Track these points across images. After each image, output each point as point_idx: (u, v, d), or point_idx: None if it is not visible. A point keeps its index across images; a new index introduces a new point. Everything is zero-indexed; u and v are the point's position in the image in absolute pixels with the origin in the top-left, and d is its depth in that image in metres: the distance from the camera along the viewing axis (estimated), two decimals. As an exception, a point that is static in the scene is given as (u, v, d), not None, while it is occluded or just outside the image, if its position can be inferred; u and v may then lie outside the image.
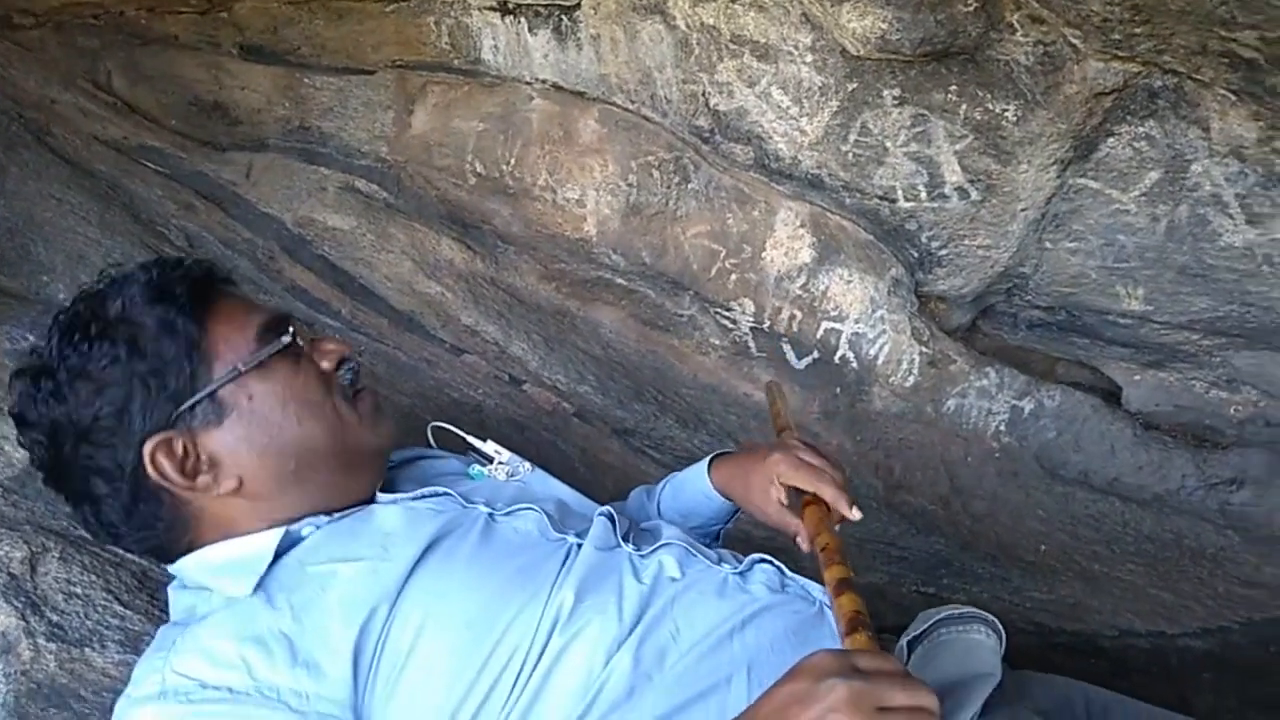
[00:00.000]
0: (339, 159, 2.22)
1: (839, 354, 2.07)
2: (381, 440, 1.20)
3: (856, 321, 2.04)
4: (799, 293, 2.04)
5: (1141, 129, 1.62)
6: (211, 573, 1.07)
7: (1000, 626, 1.11)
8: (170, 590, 1.12)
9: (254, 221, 2.17)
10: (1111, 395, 2.10)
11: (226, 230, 2.14)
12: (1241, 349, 1.91)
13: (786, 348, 2.09)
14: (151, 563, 1.26)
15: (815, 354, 2.08)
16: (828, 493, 1.18)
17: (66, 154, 2.07)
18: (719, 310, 2.08)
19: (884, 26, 1.62)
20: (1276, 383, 1.94)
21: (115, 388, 1.05)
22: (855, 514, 1.16)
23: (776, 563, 1.19)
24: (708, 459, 1.42)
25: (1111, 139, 1.66)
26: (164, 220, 2.06)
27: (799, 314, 2.05)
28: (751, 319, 2.07)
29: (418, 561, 1.04)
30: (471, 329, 2.09)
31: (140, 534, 1.10)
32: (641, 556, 1.14)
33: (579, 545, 1.13)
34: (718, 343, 2.13)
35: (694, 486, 1.41)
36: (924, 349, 2.05)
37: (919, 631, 1.13)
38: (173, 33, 2.32)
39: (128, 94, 2.36)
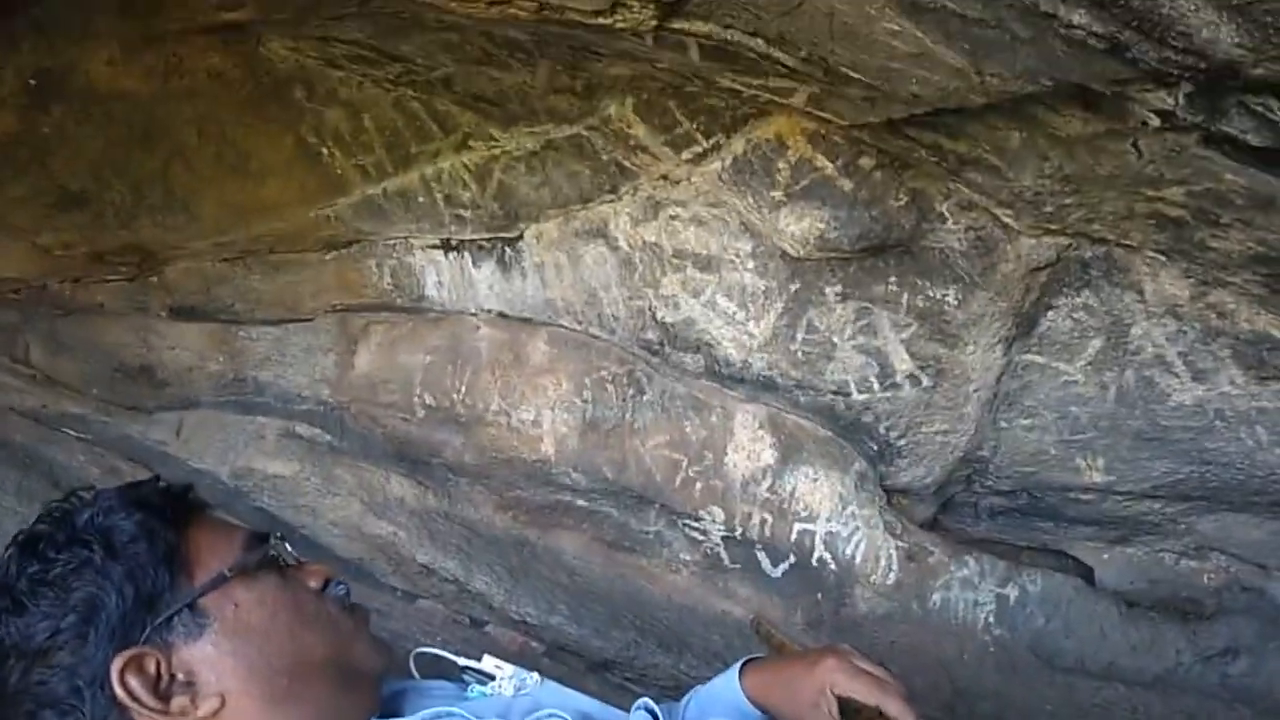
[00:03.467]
0: (278, 406, 2.14)
1: (815, 555, 1.99)
2: (379, 661, 1.07)
3: (828, 520, 1.98)
4: (766, 495, 1.99)
5: (1079, 299, 1.70)
6: None
7: None
8: None
9: (185, 478, 2.03)
10: (1085, 577, 2.07)
11: (155, 491, 1.99)
12: (1204, 513, 1.92)
13: (761, 555, 2.01)
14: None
15: (791, 558, 2.00)
16: (893, 706, 1.08)
17: (-20, 425, 1.94)
18: (687, 522, 2.00)
19: (821, 226, 1.70)
20: (1244, 545, 1.95)
21: (82, 593, 0.91)
22: None
23: None
24: (737, 666, 1.29)
25: (1051, 312, 1.74)
26: (86, 487, 1.92)
27: (769, 517, 1.99)
28: (722, 527, 2.00)
29: None
30: (427, 568, 1.95)
31: None
32: None
33: None
34: (688, 558, 2.04)
35: (725, 699, 1.27)
36: (899, 543, 2.00)
37: None
38: (98, 301, 2.29)
39: (46, 366, 2.28)
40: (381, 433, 2.09)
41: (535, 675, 1.15)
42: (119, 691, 0.89)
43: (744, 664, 1.31)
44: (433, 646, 1.19)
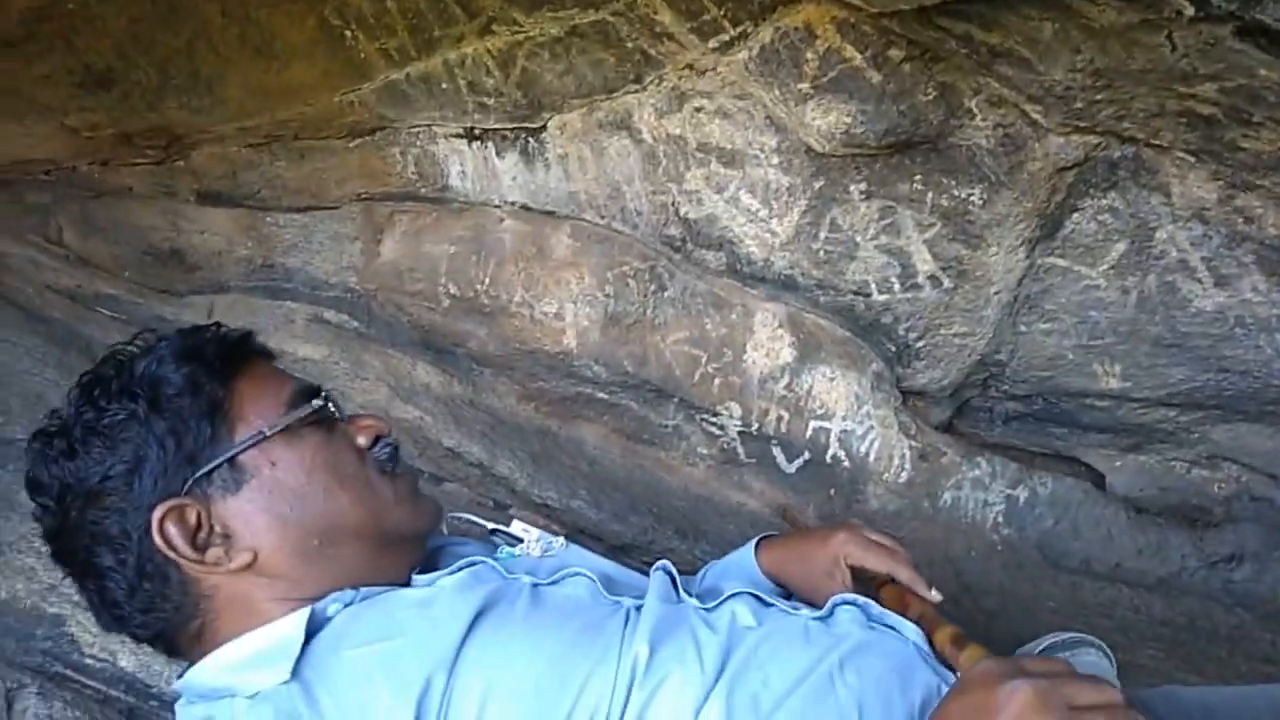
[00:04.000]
0: (306, 292, 2.18)
1: (830, 453, 2.03)
2: (421, 523, 1.13)
3: (844, 419, 2.01)
4: (784, 393, 2.01)
5: (1104, 201, 1.68)
6: (236, 670, 0.95)
7: (1108, 649, 1.06)
8: (179, 709, 0.98)
9: (217, 359, 2.10)
10: (1098, 480, 2.10)
11: (188, 371, 2.05)
12: (1218, 422, 1.93)
13: (776, 451, 2.05)
14: (147, 701, 1.12)
15: (806, 455, 2.04)
16: (903, 573, 1.14)
17: (19, 302, 2.01)
18: (705, 416, 2.04)
19: (848, 120, 1.68)
20: (1256, 455, 1.96)
21: (128, 445, 0.98)
22: (935, 595, 1.12)
23: (861, 601, 1.11)
24: (753, 542, 1.35)
25: (1076, 214, 1.72)
26: (150, 329, 1.98)
27: (786, 414, 2.03)
28: (739, 423, 2.03)
29: (469, 630, 0.93)
30: (453, 451, 2.01)
31: (146, 616, 1.00)
32: (708, 610, 1.06)
33: (636, 608, 1.04)
34: (705, 451, 2.09)
35: (740, 571, 1.33)
36: (913, 443, 2.03)
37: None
38: (127, 184, 2.31)
39: (80, 247, 2.31)
40: (407, 320, 2.13)
41: (561, 539, 1.21)
42: (157, 539, 0.95)
43: (759, 540, 1.36)
44: (464, 512, 1.23)
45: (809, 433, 2.03)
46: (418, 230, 2.09)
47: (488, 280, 2.05)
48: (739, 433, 2.04)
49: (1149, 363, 1.83)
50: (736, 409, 2.03)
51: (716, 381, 2.02)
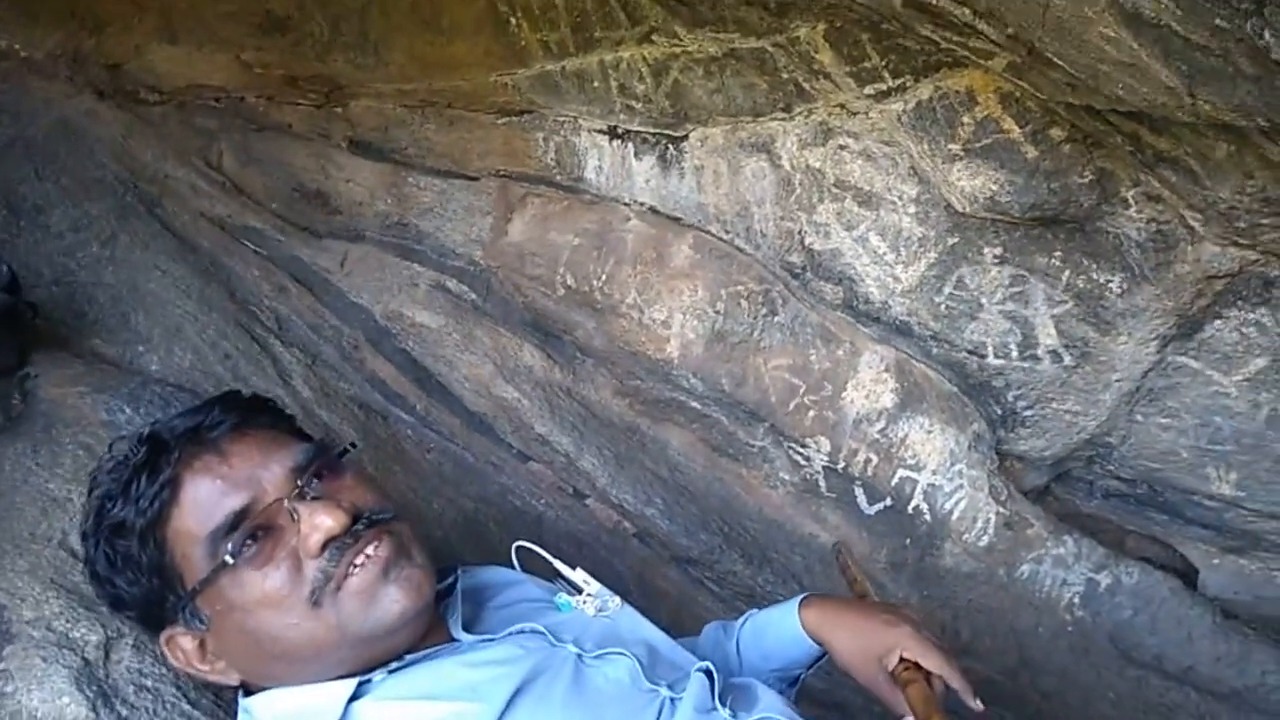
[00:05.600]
0: (433, 258, 2.26)
1: (913, 504, 2.02)
2: (388, 619, 1.06)
3: (934, 473, 1.99)
4: (877, 436, 2.00)
5: (1252, 315, 1.60)
6: (285, 717, 1.03)
7: None
8: (241, 710, 1.09)
9: (343, 310, 2.20)
10: (1187, 577, 2.02)
11: (315, 315, 2.17)
12: (1334, 544, 1.83)
13: (858, 491, 2.05)
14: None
15: (888, 501, 2.03)
16: (956, 681, 1.14)
17: (174, 227, 2.13)
18: (793, 445, 2.05)
19: (994, 188, 1.63)
20: (1367, 585, 1.86)
21: (112, 591, 1.13)
22: (979, 705, 1.11)
23: None
24: (797, 600, 1.36)
25: (1219, 321, 1.64)
26: (257, 300, 2.10)
27: (875, 458, 2.01)
28: (826, 458, 2.03)
29: (509, 703, 0.98)
30: (543, 438, 2.08)
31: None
32: None
33: (671, 700, 1.07)
34: (787, 478, 2.10)
35: (780, 628, 1.35)
36: (1001, 509, 1.99)
37: None
38: (287, 122, 2.42)
39: (237, 174, 2.45)
40: (522, 302, 2.19)
41: (617, 600, 1.23)
42: (171, 662, 1.05)
43: (804, 598, 1.37)
44: (534, 544, 1.26)
45: (895, 480, 2.01)
46: (546, 216, 2.13)
47: (604, 277, 2.09)
48: (824, 467, 2.04)
49: (1269, 478, 1.75)
50: (826, 444, 2.03)
51: (811, 414, 2.02)
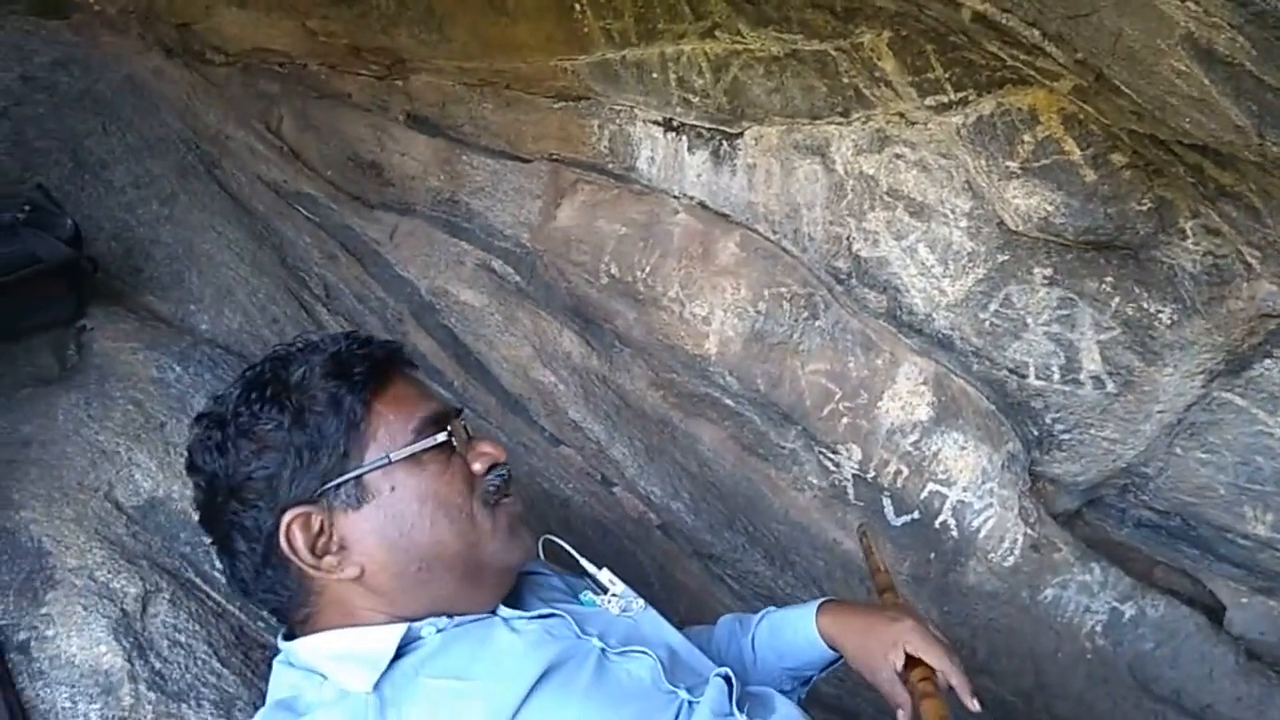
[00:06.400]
0: (481, 237, 2.28)
1: (940, 519, 2.01)
2: (513, 557, 1.17)
3: (964, 490, 1.98)
4: (910, 449, 1.99)
5: (1304, 357, 1.57)
6: (330, 659, 1.05)
7: None
8: (276, 664, 1.11)
9: (390, 282, 2.23)
10: (1213, 613, 2.00)
11: (362, 286, 2.20)
12: (1368, 594, 1.80)
13: (886, 502, 2.04)
14: (255, 621, 1.26)
15: (915, 514, 2.02)
16: (957, 679, 1.14)
17: (231, 189, 2.17)
18: (824, 450, 2.05)
19: (1049, 209, 1.62)
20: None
21: (273, 453, 1.07)
22: (976, 705, 1.12)
23: None
24: (816, 604, 1.37)
25: (1269, 360, 1.62)
26: (307, 267, 2.14)
27: (905, 470, 2.01)
28: (856, 466, 2.03)
29: (533, 688, 1.01)
30: (576, 424, 2.09)
31: (266, 595, 1.11)
32: None
33: (689, 703, 1.08)
34: (815, 482, 2.09)
35: (797, 629, 1.36)
36: (1029, 531, 1.98)
37: None
38: (347, 91, 2.45)
39: (294, 140, 2.48)
40: (565, 288, 2.20)
41: (640, 601, 1.25)
42: (283, 541, 1.06)
43: (823, 602, 1.38)
44: (563, 540, 1.28)
45: (924, 494, 2.01)
46: (595, 203, 2.14)
47: (648, 269, 2.09)
48: (853, 475, 2.04)
49: (1307, 522, 1.73)
50: (857, 452, 2.02)
51: (844, 421, 2.01)
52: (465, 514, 1.12)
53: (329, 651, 1.06)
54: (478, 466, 1.16)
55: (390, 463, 1.09)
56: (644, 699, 1.07)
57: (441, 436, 1.12)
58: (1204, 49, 0.89)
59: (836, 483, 2.07)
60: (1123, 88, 1.10)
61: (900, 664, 1.22)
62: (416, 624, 1.07)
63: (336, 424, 1.08)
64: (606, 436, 2.07)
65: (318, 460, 1.07)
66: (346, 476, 1.07)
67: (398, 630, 1.05)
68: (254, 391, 1.10)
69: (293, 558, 1.06)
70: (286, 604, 1.10)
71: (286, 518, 1.06)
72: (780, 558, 2.01)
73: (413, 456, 1.10)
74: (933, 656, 1.19)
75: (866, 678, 1.28)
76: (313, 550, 1.06)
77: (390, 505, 1.09)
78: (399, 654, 1.04)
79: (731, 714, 1.10)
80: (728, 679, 1.13)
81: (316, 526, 1.06)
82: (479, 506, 1.14)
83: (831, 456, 2.05)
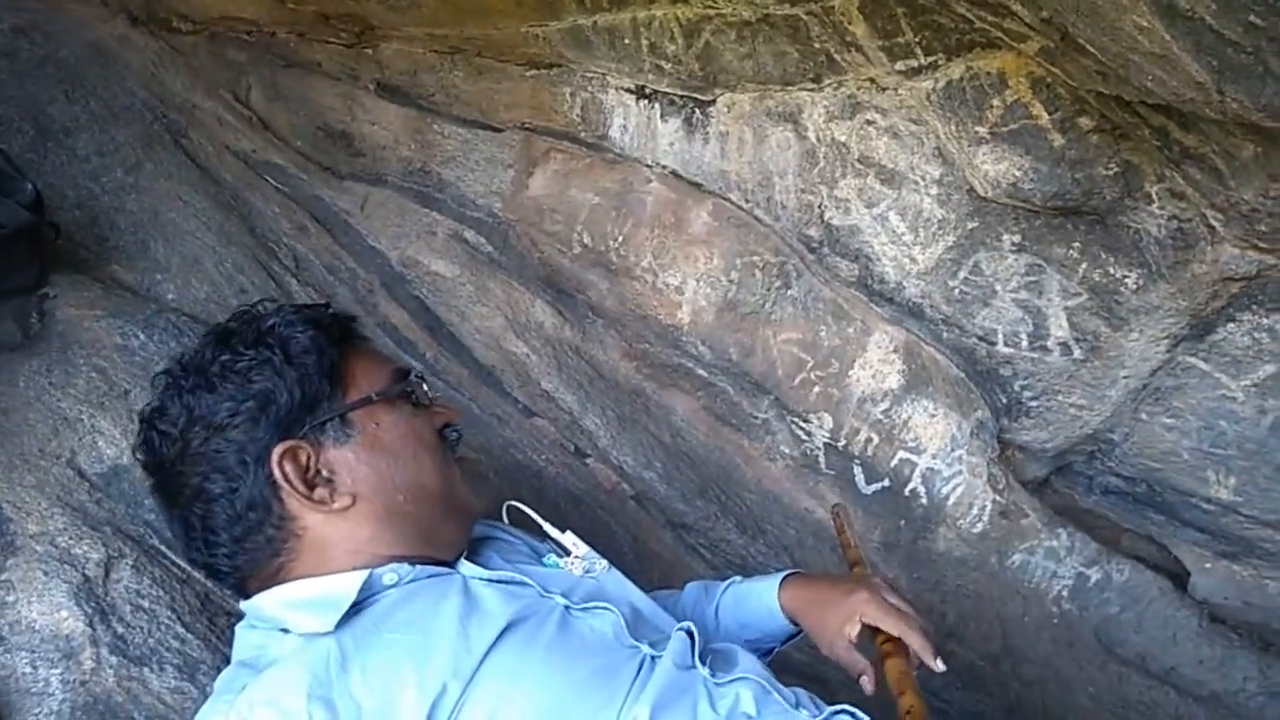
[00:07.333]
0: (452, 207, 2.26)
1: (910, 486, 2.03)
2: (477, 504, 1.24)
3: (934, 457, 2.00)
4: (880, 417, 2.01)
5: (1266, 320, 1.59)
6: (291, 607, 1.05)
7: None
8: (238, 629, 1.11)
9: (360, 253, 2.22)
10: (1178, 578, 2.03)
11: (332, 256, 2.18)
12: (1327, 557, 1.83)
13: (857, 470, 2.06)
14: (221, 589, 1.25)
15: (885, 482, 2.04)
16: (915, 640, 1.16)
17: (198, 159, 2.14)
18: (796, 420, 2.06)
19: (1018, 174, 1.62)
20: (1359, 598, 1.87)
21: (259, 386, 1.09)
22: (939, 665, 1.14)
23: (859, 714, 1.14)
24: (780, 576, 1.38)
25: (1231, 324, 1.63)
26: (276, 238, 2.12)
27: (876, 438, 2.02)
28: (827, 434, 2.04)
29: (494, 643, 1.01)
30: (549, 394, 2.09)
31: (237, 545, 1.10)
32: (718, 684, 1.10)
33: (652, 657, 1.09)
34: (788, 451, 2.11)
35: (760, 601, 1.37)
36: (998, 497, 2.00)
37: None
38: (316, 60, 2.42)
39: (263, 110, 2.45)
40: (538, 258, 2.19)
41: (604, 562, 1.26)
42: (275, 472, 1.06)
43: (787, 575, 1.40)
44: (527, 504, 1.30)
45: (894, 461, 2.02)
46: (568, 172, 2.13)
47: (621, 238, 2.09)
48: (825, 444, 2.05)
49: (1268, 485, 1.76)
50: (829, 420, 2.03)
51: (816, 389, 2.02)
52: (440, 452, 1.19)
53: (290, 599, 1.06)
54: (437, 421, 1.22)
55: (373, 401, 1.14)
56: (606, 653, 1.08)
57: (416, 381, 1.19)
58: (1165, 3, 0.90)
59: (808, 452, 2.08)
60: (1087, 46, 1.10)
61: (854, 635, 1.24)
62: (379, 570, 1.07)
63: (319, 364, 1.12)
64: (579, 407, 2.07)
65: (305, 396, 1.10)
66: (334, 412, 1.11)
67: (359, 576, 1.06)
68: (232, 337, 1.13)
69: (284, 486, 1.07)
70: (257, 555, 1.10)
71: (278, 450, 1.07)
72: (752, 527, 2.03)
73: (391, 400, 1.16)
74: (889, 623, 1.21)
75: (824, 651, 1.30)
76: (304, 481, 1.07)
77: (376, 439, 1.13)
78: (361, 606, 1.04)
79: (694, 666, 1.11)
80: (690, 633, 1.14)
81: (304, 460, 1.09)
82: (446, 452, 1.21)
83: (803, 425, 2.06)
